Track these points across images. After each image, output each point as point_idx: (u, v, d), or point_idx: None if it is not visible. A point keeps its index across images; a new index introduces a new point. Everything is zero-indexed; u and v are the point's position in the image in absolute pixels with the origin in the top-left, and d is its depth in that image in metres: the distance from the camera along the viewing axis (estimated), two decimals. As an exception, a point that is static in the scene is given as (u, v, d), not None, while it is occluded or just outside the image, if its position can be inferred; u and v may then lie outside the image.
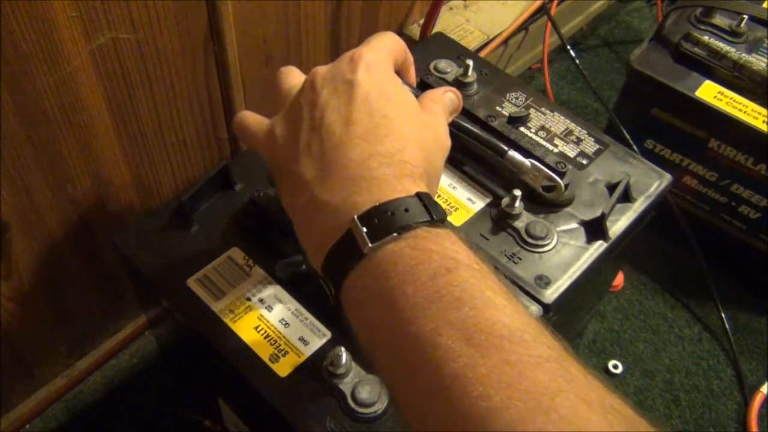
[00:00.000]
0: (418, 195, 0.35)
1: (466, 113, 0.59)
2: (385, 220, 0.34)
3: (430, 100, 0.43)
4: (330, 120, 0.37)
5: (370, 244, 0.33)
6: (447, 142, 0.41)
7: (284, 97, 0.41)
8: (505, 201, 0.56)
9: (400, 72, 0.44)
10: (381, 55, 0.40)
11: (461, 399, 0.29)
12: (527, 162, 0.55)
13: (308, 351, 0.48)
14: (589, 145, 0.62)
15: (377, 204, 0.34)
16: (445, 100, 0.44)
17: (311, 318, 0.50)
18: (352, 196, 0.35)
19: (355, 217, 0.34)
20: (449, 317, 0.31)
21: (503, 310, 0.31)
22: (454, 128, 0.54)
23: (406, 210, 0.34)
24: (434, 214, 0.35)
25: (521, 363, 0.29)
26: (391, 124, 0.37)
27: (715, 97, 0.76)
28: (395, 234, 0.33)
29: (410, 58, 0.45)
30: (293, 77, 0.43)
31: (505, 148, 0.55)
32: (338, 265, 0.35)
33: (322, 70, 0.40)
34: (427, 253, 0.33)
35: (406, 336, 0.32)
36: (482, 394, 0.28)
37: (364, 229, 0.34)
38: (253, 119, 0.42)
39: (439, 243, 0.34)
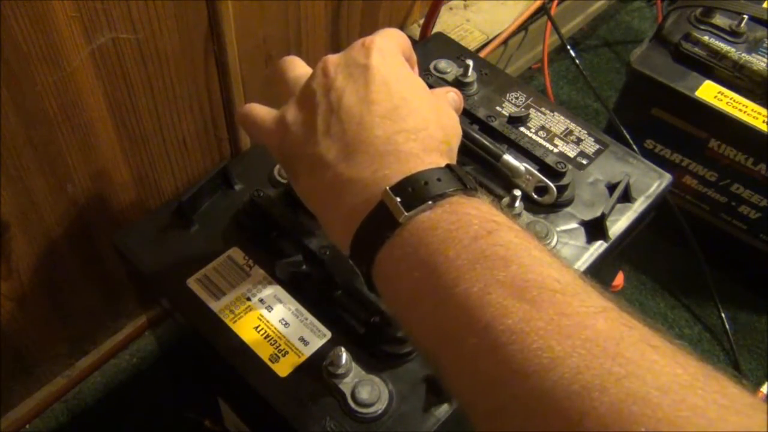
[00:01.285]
0: (449, 166, 0.35)
1: (466, 113, 0.59)
2: (419, 189, 0.33)
3: (438, 93, 0.43)
4: (349, 102, 0.37)
5: (405, 213, 0.33)
6: (460, 130, 0.41)
7: (291, 86, 0.41)
8: (505, 201, 0.56)
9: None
10: (391, 43, 0.41)
11: (520, 353, 0.28)
12: (521, 167, 0.55)
13: (308, 351, 0.48)
14: (589, 145, 0.62)
15: (409, 174, 0.34)
16: (447, 98, 0.44)
17: (311, 318, 0.50)
18: (381, 170, 0.35)
19: (388, 187, 0.34)
20: (497, 275, 0.30)
21: (551, 265, 0.31)
22: None
23: (439, 180, 0.34)
24: (467, 183, 0.34)
25: (579, 314, 0.28)
26: (411, 105, 0.38)
27: (715, 97, 0.76)
28: (430, 202, 0.33)
29: (414, 56, 0.45)
30: (298, 67, 0.43)
31: (501, 152, 0.55)
32: (371, 238, 0.34)
33: (333, 57, 0.40)
34: (466, 216, 0.33)
35: (453, 299, 0.31)
36: (542, 346, 0.28)
37: (398, 199, 0.33)
38: (260, 109, 0.42)
39: (476, 207, 0.33)
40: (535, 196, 0.56)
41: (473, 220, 0.32)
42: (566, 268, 0.31)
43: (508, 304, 0.29)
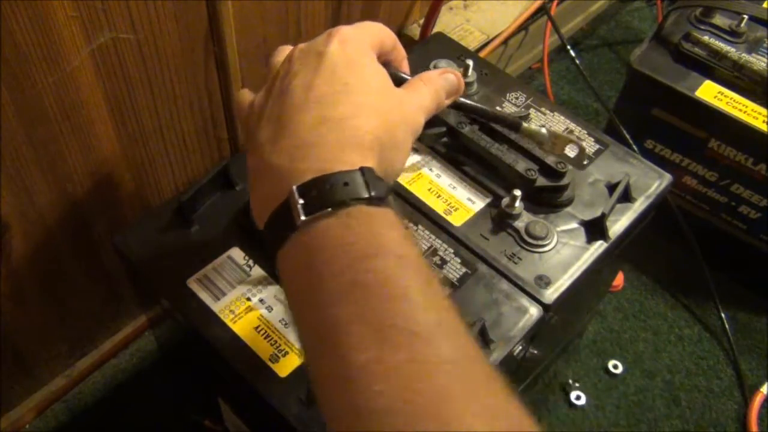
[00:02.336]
0: (362, 169, 0.35)
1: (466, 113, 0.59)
2: (323, 194, 0.33)
3: (419, 80, 0.42)
4: (294, 86, 0.38)
5: (303, 217, 0.33)
6: (416, 119, 0.41)
7: (270, 71, 0.42)
8: (505, 201, 0.56)
9: (389, 62, 0.44)
10: (360, 33, 0.40)
11: (362, 392, 0.29)
12: (543, 130, 0.53)
13: (308, 351, 0.48)
14: (589, 145, 0.62)
15: (318, 175, 0.34)
16: (441, 81, 0.43)
17: (311, 318, 0.50)
18: (296, 163, 0.35)
19: (294, 187, 0.34)
20: (364, 307, 0.31)
21: (417, 304, 0.32)
22: (462, 109, 0.54)
23: (346, 184, 0.34)
24: (373, 191, 0.34)
25: (425, 363, 0.30)
26: (351, 91, 0.37)
27: (715, 97, 0.76)
28: (330, 209, 0.33)
29: (401, 48, 0.44)
30: (282, 55, 0.43)
31: (519, 121, 0.54)
32: (275, 232, 0.35)
33: (300, 45, 0.40)
34: (354, 235, 0.33)
35: (323, 319, 0.32)
36: (381, 391, 0.29)
37: (301, 201, 0.33)
38: (246, 94, 0.42)
39: (369, 224, 0.34)
40: (570, 155, 0.54)
41: (360, 240, 0.33)
42: (432, 308, 0.32)
43: (365, 340, 0.30)
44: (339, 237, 0.33)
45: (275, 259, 0.36)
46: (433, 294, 0.33)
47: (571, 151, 0.55)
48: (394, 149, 0.39)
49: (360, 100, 0.37)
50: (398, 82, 0.42)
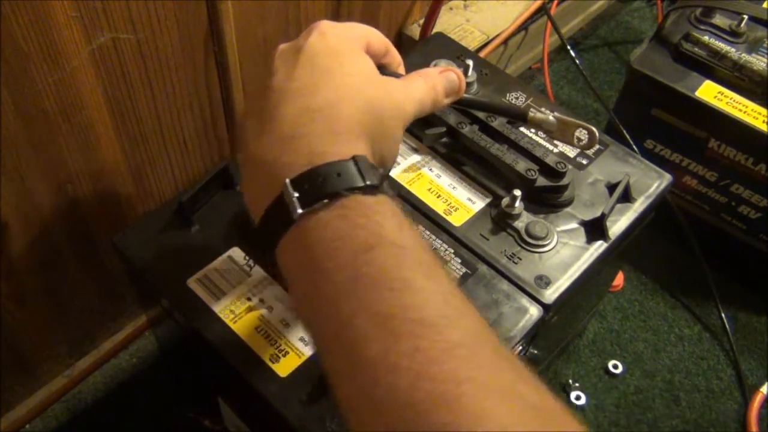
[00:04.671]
0: (354, 158, 0.34)
1: (466, 113, 0.59)
2: (316, 186, 0.33)
3: (415, 73, 0.42)
4: (274, 80, 0.37)
5: (299, 210, 0.33)
6: (405, 107, 0.39)
7: None
8: (505, 201, 0.56)
9: (385, 66, 0.43)
10: (342, 27, 0.40)
11: (373, 387, 0.29)
12: (551, 117, 0.52)
13: (308, 351, 0.48)
14: (589, 145, 0.62)
15: (309, 168, 0.33)
16: (439, 78, 0.43)
17: (311, 318, 0.50)
18: (283, 156, 0.35)
19: (287, 181, 0.33)
20: (366, 300, 0.31)
21: (420, 293, 0.31)
22: (465, 105, 0.53)
23: (339, 174, 0.33)
24: (367, 180, 0.33)
25: (432, 350, 0.29)
26: (332, 78, 0.37)
27: (715, 97, 0.76)
28: (325, 201, 0.33)
29: (396, 53, 0.43)
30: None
31: (525, 110, 0.53)
32: (271, 228, 0.35)
33: (282, 45, 0.40)
34: (352, 226, 0.32)
35: (327, 314, 0.32)
36: (392, 383, 0.29)
37: (296, 194, 0.33)
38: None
39: (366, 215, 0.33)
40: (582, 141, 0.53)
41: (359, 231, 0.32)
42: (437, 294, 0.32)
43: (370, 333, 0.30)
44: (337, 229, 0.32)
45: (273, 254, 0.35)
46: (437, 280, 0.32)
47: (581, 137, 0.54)
48: (384, 138, 0.38)
49: (341, 85, 0.36)
50: None
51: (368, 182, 0.33)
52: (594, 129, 0.51)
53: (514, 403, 0.29)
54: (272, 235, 0.35)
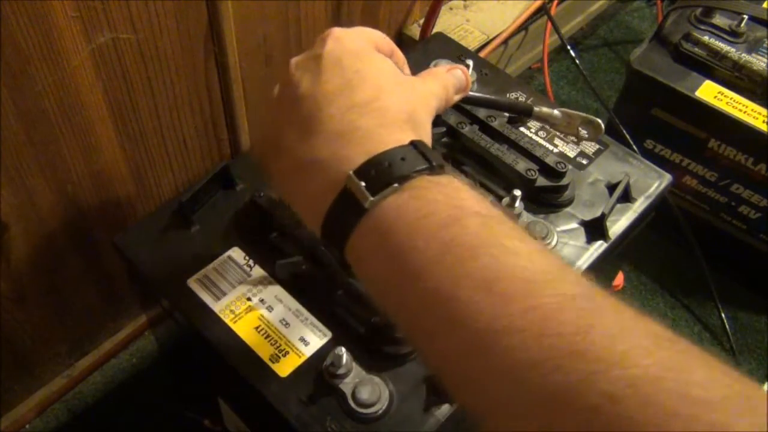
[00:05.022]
0: (413, 143, 0.34)
1: (466, 113, 0.59)
2: (383, 171, 0.32)
3: (426, 73, 0.42)
4: (304, 88, 0.37)
5: (371, 198, 0.32)
6: (430, 102, 0.40)
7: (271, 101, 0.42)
8: (505, 201, 0.56)
9: None
10: (354, 31, 0.40)
11: (494, 353, 0.28)
12: (556, 111, 0.52)
13: (309, 351, 0.48)
14: (589, 145, 0.62)
15: (371, 156, 0.33)
16: (449, 76, 0.43)
17: (311, 318, 0.50)
18: (340, 151, 0.34)
19: (351, 172, 0.33)
20: (465, 268, 0.30)
21: (520, 253, 0.30)
22: (470, 102, 0.54)
23: (403, 159, 0.33)
24: (433, 161, 0.33)
25: (548, 305, 0.28)
26: (365, 76, 0.37)
27: (715, 97, 0.76)
28: (396, 185, 0.32)
29: (400, 54, 0.44)
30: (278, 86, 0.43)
31: (531, 105, 0.53)
32: (339, 224, 0.34)
33: (295, 58, 0.40)
34: (432, 203, 0.32)
35: (424, 293, 0.30)
36: (516, 344, 0.27)
37: (362, 183, 0.32)
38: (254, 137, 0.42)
39: (442, 192, 0.32)
40: (584, 133, 0.54)
41: (440, 207, 0.32)
42: (536, 253, 0.31)
43: (479, 300, 0.29)
44: (416, 209, 0.32)
45: (342, 252, 0.34)
46: (530, 243, 0.31)
47: (586, 129, 0.54)
48: (421, 129, 0.38)
49: (378, 83, 0.37)
50: None
51: (434, 163, 0.33)
52: (599, 120, 0.51)
53: (647, 339, 0.27)
54: (341, 230, 0.34)
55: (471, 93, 0.47)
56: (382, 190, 0.32)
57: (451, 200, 0.32)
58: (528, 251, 0.31)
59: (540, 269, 0.30)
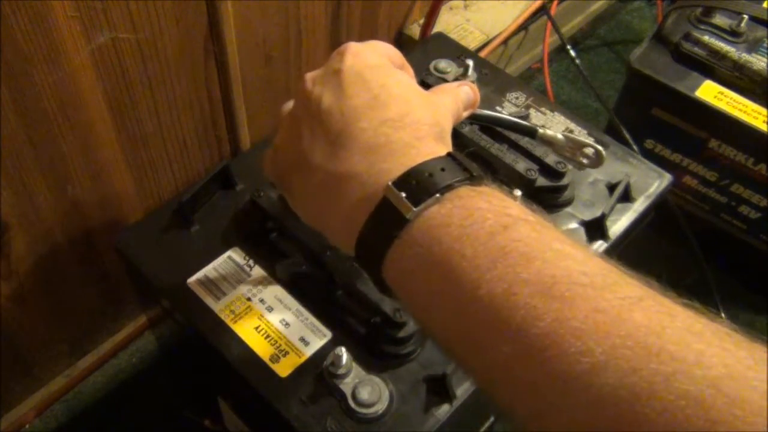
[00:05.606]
0: (449, 154, 0.33)
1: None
2: (425, 182, 0.32)
3: (438, 88, 0.42)
4: (327, 104, 0.36)
5: (414, 209, 0.31)
6: (448, 117, 0.40)
7: (282, 117, 0.41)
8: (506, 201, 0.55)
9: None
10: (369, 46, 0.40)
11: (557, 358, 0.27)
12: (560, 135, 0.53)
13: (309, 351, 0.48)
14: (589, 145, 0.62)
15: (411, 167, 0.32)
16: (459, 92, 0.43)
17: (311, 318, 0.50)
18: (376, 165, 0.33)
19: (390, 183, 0.32)
20: (521, 274, 0.29)
21: (575, 258, 0.29)
22: (476, 119, 0.54)
23: (443, 169, 0.32)
24: (473, 171, 0.33)
25: (614, 308, 0.27)
26: (391, 90, 0.36)
27: (715, 97, 0.76)
28: (437, 195, 0.31)
29: (409, 68, 0.44)
30: (289, 103, 0.42)
31: (536, 127, 0.54)
32: (377, 238, 0.33)
33: (310, 73, 0.39)
34: (477, 211, 0.31)
35: (477, 302, 0.29)
36: (581, 349, 0.26)
37: (403, 194, 0.31)
38: (266, 153, 0.41)
39: (487, 200, 0.32)
40: (584, 161, 0.54)
41: (487, 214, 0.31)
42: (591, 258, 0.30)
43: (538, 304, 0.28)
44: (461, 217, 0.31)
45: (380, 267, 0.33)
46: (582, 248, 0.31)
47: (588, 154, 0.54)
48: (449, 141, 0.38)
49: (406, 97, 0.37)
50: None
51: (475, 173, 0.33)
52: (601, 149, 0.51)
53: (722, 341, 0.27)
54: (380, 244, 0.32)
55: (478, 111, 0.48)
56: (425, 201, 0.31)
57: (497, 208, 0.32)
58: (583, 255, 0.30)
59: (598, 272, 0.29)
